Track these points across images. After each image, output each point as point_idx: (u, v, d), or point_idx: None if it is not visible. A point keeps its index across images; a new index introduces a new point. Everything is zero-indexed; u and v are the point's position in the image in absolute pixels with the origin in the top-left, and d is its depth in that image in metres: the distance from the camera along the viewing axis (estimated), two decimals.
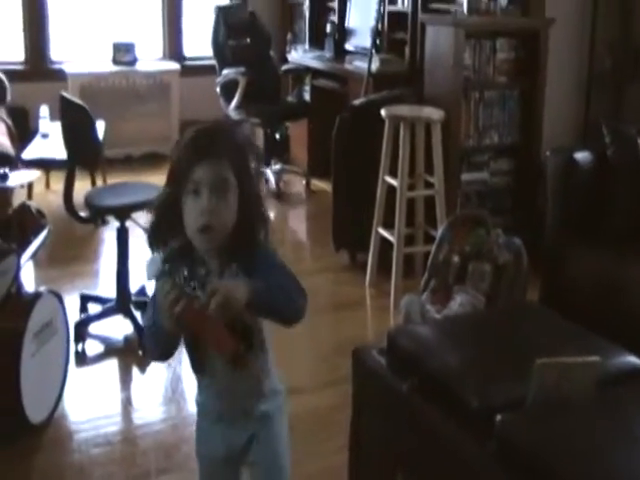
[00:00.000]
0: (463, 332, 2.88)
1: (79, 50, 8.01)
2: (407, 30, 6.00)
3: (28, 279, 4.64)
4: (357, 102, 5.33)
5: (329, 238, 5.39)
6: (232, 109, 6.82)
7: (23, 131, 6.42)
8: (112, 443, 3.42)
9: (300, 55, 7.37)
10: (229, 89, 6.84)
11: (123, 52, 7.85)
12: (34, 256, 4.00)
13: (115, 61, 7.84)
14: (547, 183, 4.30)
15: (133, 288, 4.38)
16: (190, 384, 3.64)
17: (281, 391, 2.20)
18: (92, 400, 3.74)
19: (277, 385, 2.18)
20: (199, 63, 8.24)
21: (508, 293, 3.93)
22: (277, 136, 7.38)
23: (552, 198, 4.24)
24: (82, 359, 4.09)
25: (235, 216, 1.98)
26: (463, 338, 2.81)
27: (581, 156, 4.15)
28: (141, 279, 4.46)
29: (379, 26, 6.21)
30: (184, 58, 8.40)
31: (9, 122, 5.98)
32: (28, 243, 3.87)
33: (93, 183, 6.17)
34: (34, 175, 4.89)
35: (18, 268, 3.38)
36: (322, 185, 6.88)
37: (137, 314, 4.29)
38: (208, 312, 1.84)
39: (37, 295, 3.46)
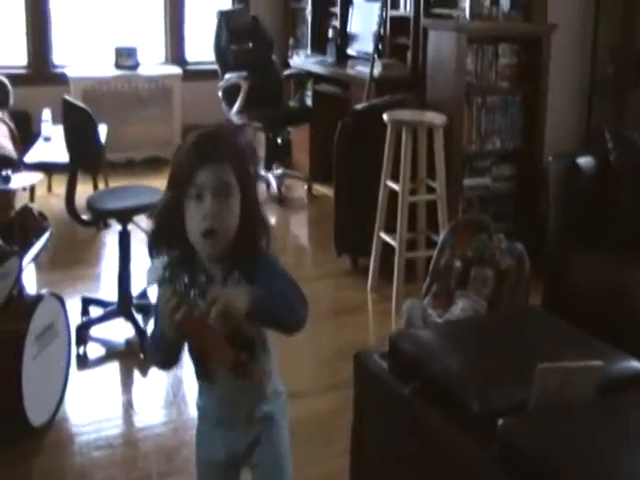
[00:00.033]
0: (465, 336, 2.88)
1: (81, 54, 8.03)
2: (409, 35, 6.03)
3: (30, 282, 4.64)
4: (359, 107, 5.34)
5: (331, 243, 5.39)
6: (234, 113, 6.82)
7: (26, 135, 6.43)
8: (113, 446, 3.41)
9: (302, 60, 7.38)
10: (231, 93, 6.84)
11: (125, 56, 7.86)
12: (36, 258, 4.00)
13: (117, 65, 7.84)
14: (549, 188, 4.30)
15: (135, 291, 4.38)
16: (191, 387, 3.63)
17: (282, 392, 2.20)
18: (93, 403, 3.74)
19: (278, 386, 2.18)
20: (201, 68, 8.25)
21: (510, 298, 3.92)
22: (279, 141, 7.38)
23: (554, 203, 4.23)
24: (83, 362, 4.09)
25: (237, 221, 1.98)
26: (465, 342, 2.81)
27: (584, 161, 4.15)
28: (143, 282, 4.46)
29: (381, 31, 6.22)
30: (186, 63, 8.41)
31: (12, 125, 5.99)
32: (30, 245, 3.88)
33: (95, 187, 6.17)
34: (36, 178, 4.90)
35: (20, 270, 3.39)
36: (324, 190, 6.88)
37: (138, 317, 4.29)
38: (208, 320, 1.83)
39: (39, 298, 3.46)
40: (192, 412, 3.42)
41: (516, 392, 2.38)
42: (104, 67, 7.84)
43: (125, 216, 4.19)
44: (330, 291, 5.04)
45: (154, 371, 4.03)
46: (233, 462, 2.18)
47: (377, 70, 5.97)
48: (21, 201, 4.94)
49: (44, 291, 3.59)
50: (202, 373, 2.11)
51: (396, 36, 6.29)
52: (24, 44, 7.82)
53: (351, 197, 5.24)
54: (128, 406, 3.76)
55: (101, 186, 6.34)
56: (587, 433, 2.23)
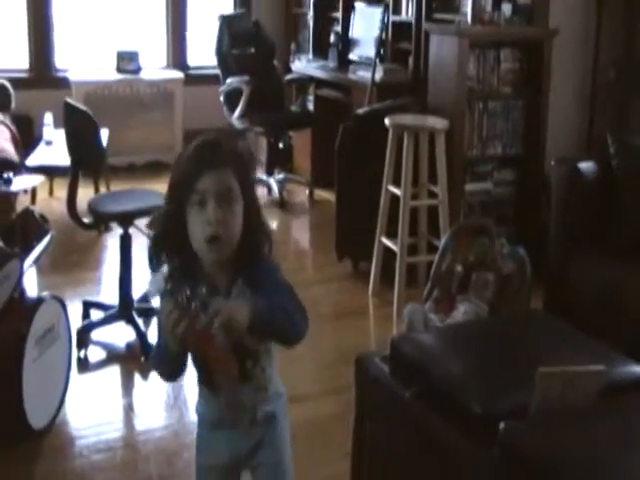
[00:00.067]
0: (466, 340, 2.87)
1: (83, 58, 8.03)
2: (411, 40, 6.03)
3: (31, 285, 4.63)
4: (360, 111, 5.34)
5: (332, 247, 5.38)
6: (236, 118, 6.83)
7: (27, 138, 6.43)
8: (114, 449, 3.41)
9: (304, 65, 7.39)
10: (233, 98, 6.85)
11: (127, 61, 7.87)
12: (37, 261, 4.00)
13: (119, 69, 7.85)
14: (551, 193, 4.29)
15: (136, 295, 4.38)
16: (192, 391, 3.63)
17: (283, 393, 2.19)
18: (94, 406, 3.73)
19: (280, 387, 2.18)
20: (203, 72, 8.25)
21: (512, 303, 3.92)
22: (280, 145, 7.37)
23: (556, 208, 4.23)
24: (84, 365, 4.09)
25: (241, 226, 1.98)
26: (466, 346, 2.80)
27: (586, 166, 4.15)
28: (144, 287, 4.46)
29: (383, 36, 6.23)
30: (188, 67, 8.41)
31: (14, 129, 6.00)
32: (31, 248, 3.87)
33: (96, 190, 6.17)
34: (37, 180, 4.90)
35: (21, 273, 3.38)
36: (325, 195, 6.88)
37: (139, 321, 4.29)
38: (210, 333, 1.83)
39: (40, 300, 3.46)
40: (193, 415, 3.39)
41: (518, 396, 2.38)
42: (106, 71, 7.85)
43: (126, 219, 4.19)
44: (331, 295, 5.04)
45: (154, 374, 4.01)
46: (235, 465, 2.18)
47: (379, 75, 5.97)
48: (22, 204, 4.94)
49: (45, 294, 3.58)
50: (206, 381, 2.10)
51: (398, 41, 6.30)
52: (26, 48, 7.83)
53: (352, 201, 5.24)
54: (129, 409, 3.76)
55: (102, 190, 6.34)
56: (589, 437, 2.22)
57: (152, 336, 4.23)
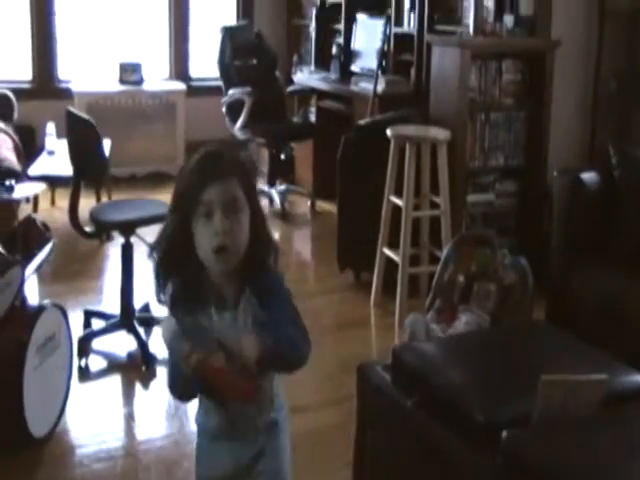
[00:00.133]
0: (468, 349, 2.87)
1: (86, 69, 8.05)
2: (413, 51, 6.05)
3: (32, 294, 4.63)
4: (362, 122, 5.35)
5: (333, 258, 5.38)
6: (238, 129, 6.83)
7: (30, 148, 6.45)
8: (114, 458, 3.40)
9: (306, 76, 7.40)
10: (235, 109, 6.85)
11: (130, 72, 7.88)
12: (39, 269, 3.99)
13: (122, 81, 7.87)
14: (553, 204, 4.29)
15: (137, 304, 4.38)
16: (193, 401, 3.61)
17: (284, 404, 2.19)
18: (94, 415, 3.72)
19: (282, 397, 2.17)
20: (205, 84, 8.26)
21: (514, 313, 3.91)
22: (282, 156, 7.39)
23: (558, 218, 4.23)
24: (85, 374, 4.08)
25: (247, 236, 1.98)
26: (468, 355, 2.80)
27: (588, 177, 4.14)
28: (145, 295, 4.46)
29: (385, 47, 6.24)
30: (190, 78, 8.43)
31: (16, 138, 6.01)
32: (33, 256, 3.87)
33: (98, 201, 6.16)
34: (39, 188, 4.91)
35: (22, 280, 3.38)
36: (327, 206, 6.88)
37: (141, 330, 4.29)
38: (222, 367, 1.84)
39: (41, 308, 3.45)
40: (193, 425, 3.35)
41: (520, 404, 2.37)
42: (108, 82, 7.87)
43: (128, 228, 4.19)
44: (333, 306, 5.03)
45: (156, 384, 4.02)
46: (237, 476, 2.15)
47: (381, 86, 5.98)
48: (25, 213, 4.94)
49: (46, 302, 3.58)
50: (214, 397, 2.09)
51: (400, 52, 6.32)
52: (29, 58, 7.85)
53: (354, 212, 5.24)
54: (129, 418, 3.75)
55: (104, 200, 6.33)
56: (591, 445, 2.22)
57: (153, 345, 4.24)
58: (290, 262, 5.84)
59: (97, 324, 4.44)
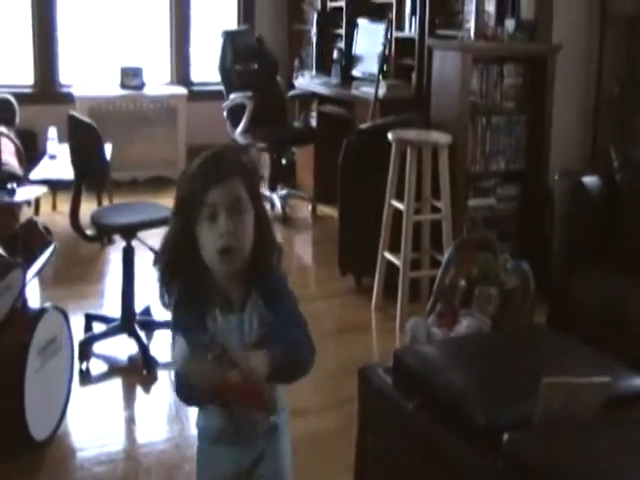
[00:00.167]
0: (470, 352, 2.86)
1: (88, 74, 8.06)
2: (414, 56, 6.05)
3: (34, 298, 4.62)
4: (364, 126, 5.35)
5: (334, 262, 5.38)
6: (239, 133, 6.84)
7: (31, 153, 6.45)
8: (115, 461, 3.39)
9: (307, 81, 7.40)
10: (236, 113, 6.86)
11: (131, 76, 7.89)
12: (40, 272, 3.99)
13: (123, 85, 7.88)
14: (555, 207, 4.29)
15: (138, 308, 4.38)
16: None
17: (285, 407, 2.18)
18: (95, 418, 3.72)
19: (283, 401, 2.17)
20: (206, 88, 8.27)
21: (515, 317, 3.91)
22: (283, 161, 7.39)
23: (560, 222, 4.22)
24: (86, 378, 4.08)
25: (252, 237, 1.98)
26: (470, 358, 2.80)
27: (589, 180, 4.14)
28: (146, 299, 4.46)
29: (386, 52, 6.25)
30: (191, 83, 8.45)
31: (18, 143, 6.01)
32: (34, 258, 3.87)
33: (99, 205, 6.17)
34: (41, 190, 4.91)
35: (23, 283, 3.37)
36: (328, 211, 6.88)
37: (142, 334, 4.28)
38: (234, 382, 1.84)
39: (42, 310, 3.45)
40: (194, 428, 3.38)
41: (521, 407, 2.37)
42: (110, 87, 7.88)
43: (129, 232, 4.19)
44: (334, 310, 5.03)
45: (157, 387, 4.02)
46: (238, 479, 2.15)
47: (382, 91, 5.99)
48: (26, 217, 4.94)
49: (47, 304, 3.57)
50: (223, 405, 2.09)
51: (401, 57, 6.34)
52: (31, 63, 7.86)
53: (355, 216, 5.24)
54: (130, 422, 3.75)
55: (105, 204, 6.34)
56: (592, 448, 2.21)
57: (154, 349, 4.24)
58: (291, 266, 5.84)
59: (98, 328, 4.43)
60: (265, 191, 6.93)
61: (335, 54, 7.20)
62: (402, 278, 4.76)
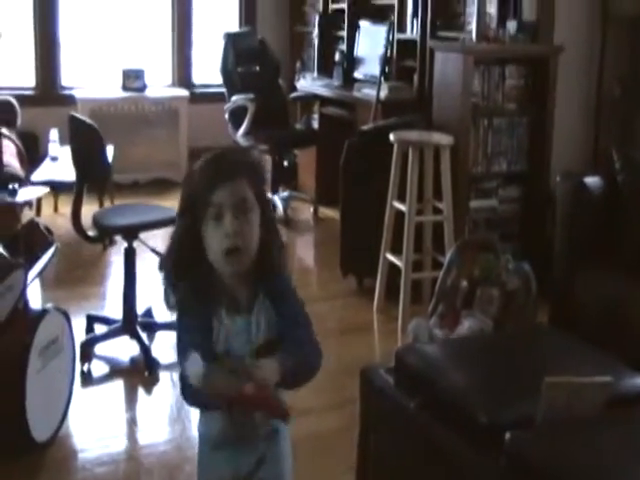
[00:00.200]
0: (472, 352, 2.86)
1: (89, 76, 8.07)
2: (416, 57, 6.05)
3: (35, 300, 4.62)
4: (365, 127, 5.35)
5: (336, 264, 5.38)
6: (240, 135, 6.83)
7: (33, 155, 6.45)
8: (117, 462, 3.39)
9: (309, 83, 7.41)
10: (238, 115, 6.86)
11: (133, 78, 7.90)
12: (41, 273, 3.99)
13: (125, 87, 7.89)
14: (557, 208, 4.29)
15: (140, 309, 4.38)
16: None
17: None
18: (97, 420, 3.71)
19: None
20: (208, 90, 8.29)
21: (517, 318, 3.90)
22: (285, 163, 7.39)
23: (561, 223, 4.22)
24: (88, 379, 4.08)
25: (258, 236, 1.97)
26: (472, 358, 2.80)
27: (591, 181, 4.14)
28: (148, 300, 4.46)
29: (388, 54, 6.24)
30: (193, 85, 8.45)
31: (19, 145, 6.01)
32: (35, 259, 3.86)
33: (101, 207, 6.17)
34: (43, 191, 4.91)
35: (25, 283, 3.37)
36: (330, 213, 6.88)
37: (143, 335, 4.28)
38: (250, 394, 1.84)
39: (44, 311, 3.44)
40: (195, 430, 3.39)
41: (523, 406, 2.37)
42: (112, 89, 7.89)
43: (131, 233, 4.19)
44: (335, 311, 5.03)
45: (158, 389, 4.02)
46: None
47: (384, 93, 5.98)
48: (28, 217, 4.94)
49: (49, 305, 3.57)
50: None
51: (403, 59, 6.33)
52: (32, 65, 7.87)
53: (357, 218, 5.24)
54: (132, 423, 3.74)
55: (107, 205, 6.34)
56: (594, 447, 2.21)
57: (156, 350, 4.24)
58: (293, 268, 5.83)
59: (100, 329, 4.43)
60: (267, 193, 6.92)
61: (337, 56, 7.20)
62: (404, 279, 4.75)
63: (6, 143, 5.79)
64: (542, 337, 2.98)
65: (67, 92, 7.80)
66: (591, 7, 5.48)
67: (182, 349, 1.95)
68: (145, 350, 4.18)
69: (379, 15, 6.66)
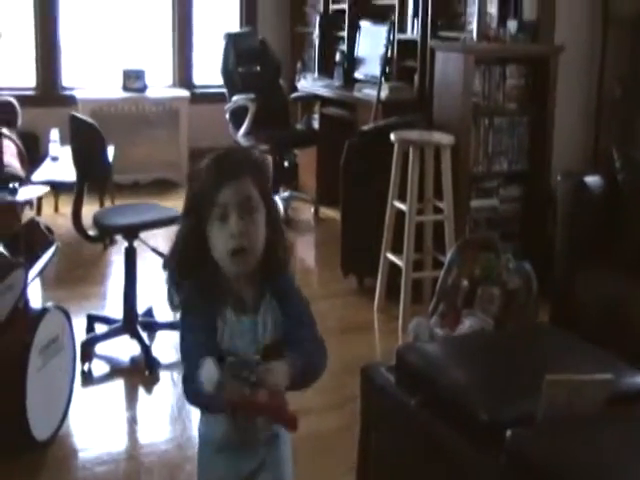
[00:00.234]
0: (472, 350, 2.86)
1: (90, 76, 8.08)
2: (416, 57, 6.05)
3: (35, 299, 4.62)
4: (366, 127, 5.35)
5: (337, 264, 5.38)
6: (241, 136, 6.83)
7: (33, 155, 6.46)
8: (117, 462, 3.39)
9: (309, 83, 7.41)
10: (238, 116, 6.86)
11: (133, 79, 7.90)
12: (42, 272, 3.99)
13: (125, 88, 7.89)
14: (557, 208, 4.29)
15: (140, 309, 4.38)
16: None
17: None
18: (97, 419, 3.71)
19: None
20: (208, 91, 8.29)
21: (517, 317, 3.90)
22: (286, 163, 7.39)
23: (562, 222, 4.22)
24: (88, 379, 4.08)
25: (264, 235, 1.97)
26: (472, 356, 2.80)
27: (591, 180, 4.14)
28: (148, 300, 4.46)
29: (388, 54, 6.24)
30: (194, 85, 8.45)
31: (20, 145, 6.01)
32: (36, 258, 3.87)
33: (101, 207, 6.17)
34: (43, 190, 4.91)
35: (25, 282, 3.37)
36: (330, 213, 6.88)
37: (144, 335, 4.28)
38: (263, 402, 1.82)
39: (44, 310, 3.44)
40: (196, 429, 3.39)
41: (524, 404, 2.37)
42: (112, 89, 7.89)
43: (131, 232, 4.18)
44: (336, 311, 5.02)
45: (159, 388, 4.01)
46: None
47: (384, 93, 5.98)
48: (28, 217, 4.95)
49: (49, 304, 3.57)
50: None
51: (403, 59, 6.32)
52: (33, 65, 7.87)
53: (358, 217, 5.24)
54: (132, 422, 3.74)
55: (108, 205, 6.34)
56: (595, 444, 2.21)
57: (156, 350, 4.24)
58: (294, 268, 5.82)
59: (100, 329, 4.43)
60: None
61: (337, 56, 7.19)
62: (405, 279, 4.75)
63: (7, 143, 5.80)
64: (543, 336, 2.98)
65: (68, 92, 7.80)
66: (592, 7, 5.48)
67: (186, 349, 1.95)
68: (145, 350, 4.18)
69: (380, 15, 6.66)
